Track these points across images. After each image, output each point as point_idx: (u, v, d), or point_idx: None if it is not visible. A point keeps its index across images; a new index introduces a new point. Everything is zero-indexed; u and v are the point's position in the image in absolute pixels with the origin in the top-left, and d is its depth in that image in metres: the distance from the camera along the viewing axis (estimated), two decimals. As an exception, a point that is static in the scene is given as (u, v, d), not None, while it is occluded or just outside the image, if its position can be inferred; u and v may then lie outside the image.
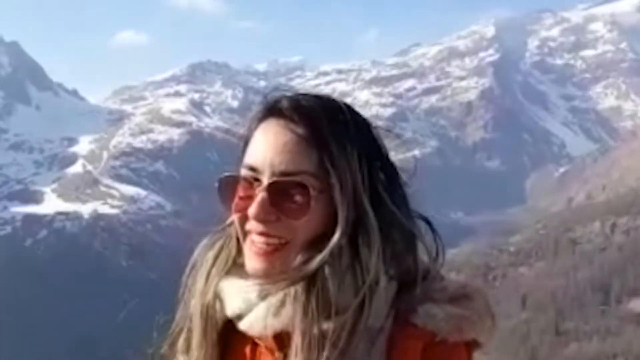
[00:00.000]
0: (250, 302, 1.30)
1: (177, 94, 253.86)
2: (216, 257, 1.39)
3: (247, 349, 1.36)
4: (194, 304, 1.37)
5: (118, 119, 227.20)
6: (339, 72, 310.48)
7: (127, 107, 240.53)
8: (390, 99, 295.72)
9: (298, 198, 1.28)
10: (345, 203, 1.27)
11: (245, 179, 1.32)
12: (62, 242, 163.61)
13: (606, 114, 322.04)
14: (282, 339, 1.29)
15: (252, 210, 1.28)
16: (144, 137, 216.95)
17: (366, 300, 1.24)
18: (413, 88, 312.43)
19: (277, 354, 1.31)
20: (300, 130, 1.29)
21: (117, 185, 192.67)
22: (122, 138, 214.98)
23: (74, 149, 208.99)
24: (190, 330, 1.39)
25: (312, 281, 1.25)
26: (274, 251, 1.29)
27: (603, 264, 79.84)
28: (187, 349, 1.39)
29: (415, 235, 1.33)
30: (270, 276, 1.29)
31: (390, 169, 1.34)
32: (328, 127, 1.29)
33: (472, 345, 1.31)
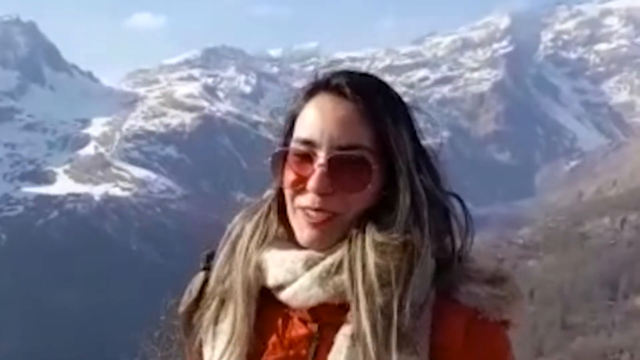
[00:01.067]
0: (296, 273, 1.31)
1: (191, 78, 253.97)
2: (255, 229, 1.40)
3: (279, 320, 1.37)
4: (234, 276, 1.38)
5: (131, 101, 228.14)
6: (353, 60, 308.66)
7: (141, 90, 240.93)
8: (403, 89, 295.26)
9: (357, 173, 1.30)
10: (405, 177, 1.30)
11: (299, 153, 1.32)
12: (72, 224, 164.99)
13: (619, 109, 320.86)
14: (316, 312, 1.32)
15: (312, 183, 1.30)
16: (156, 121, 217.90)
17: (416, 273, 1.27)
18: (426, 78, 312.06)
19: (311, 325, 1.34)
20: (357, 105, 1.31)
21: (128, 167, 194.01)
22: (134, 121, 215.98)
23: (87, 130, 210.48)
24: (222, 302, 1.40)
25: (363, 253, 1.27)
26: (326, 221, 1.31)
27: (612, 259, 79.48)
28: (216, 320, 1.40)
29: (450, 212, 1.36)
30: (317, 246, 1.31)
31: (425, 147, 1.36)
32: (383, 103, 1.32)
33: (507, 325, 1.34)
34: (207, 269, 1.46)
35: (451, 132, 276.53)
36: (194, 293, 1.45)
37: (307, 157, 1.31)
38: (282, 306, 1.34)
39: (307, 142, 1.31)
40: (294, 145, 1.33)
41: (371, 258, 1.26)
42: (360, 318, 1.25)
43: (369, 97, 1.31)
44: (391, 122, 1.31)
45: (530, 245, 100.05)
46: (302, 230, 1.32)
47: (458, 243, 1.36)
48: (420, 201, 1.30)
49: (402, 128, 1.32)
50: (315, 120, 1.32)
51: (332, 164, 1.29)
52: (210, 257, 1.46)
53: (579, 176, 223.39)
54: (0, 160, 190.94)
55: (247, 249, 1.38)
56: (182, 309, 1.46)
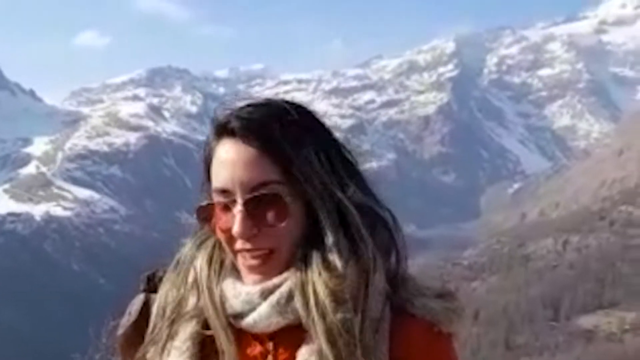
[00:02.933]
0: (253, 302, 1.34)
1: (136, 98, 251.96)
2: (210, 260, 1.43)
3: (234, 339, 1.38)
4: (203, 303, 1.39)
5: (74, 120, 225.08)
6: (299, 81, 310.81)
7: (85, 109, 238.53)
8: (350, 111, 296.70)
9: (274, 208, 1.32)
10: (320, 199, 1.32)
11: (220, 203, 1.35)
12: (12, 243, 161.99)
13: (561, 133, 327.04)
14: (274, 331, 1.34)
15: (235, 229, 1.32)
16: (100, 140, 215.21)
17: (370, 289, 1.31)
18: (372, 100, 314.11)
19: (268, 344, 1.36)
20: (256, 143, 1.32)
21: (70, 187, 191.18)
22: (77, 140, 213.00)
23: (28, 149, 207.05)
24: (171, 323, 1.40)
25: (312, 276, 1.30)
26: (264, 262, 1.34)
27: (554, 281, 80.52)
28: (166, 339, 1.40)
29: (389, 226, 1.39)
30: (263, 281, 1.34)
31: (348, 159, 1.38)
32: (280, 133, 1.33)
33: (454, 337, 1.40)
34: (147, 290, 1.47)
35: (397, 154, 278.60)
36: (134, 315, 1.46)
37: (227, 206, 1.34)
38: (245, 333, 1.37)
39: (223, 191, 1.34)
40: (214, 196, 1.36)
41: (321, 280, 1.30)
42: (320, 340, 1.29)
43: (266, 132, 1.33)
44: (292, 150, 1.32)
45: (474, 267, 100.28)
46: (246, 275, 1.36)
47: (404, 258, 1.40)
48: (354, 219, 1.33)
49: (307, 152, 1.33)
50: (223, 169, 1.35)
51: (249, 206, 1.33)
52: (151, 279, 1.48)
53: (522, 198, 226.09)
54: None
55: (208, 278, 1.40)
56: (120, 330, 1.46)
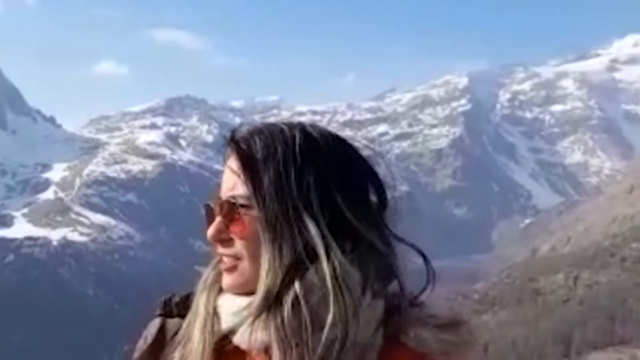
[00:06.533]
0: (242, 316, 1.37)
1: (153, 126, 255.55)
2: (213, 275, 1.48)
3: None
4: (193, 320, 1.45)
5: (93, 147, 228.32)
6: (314, 113, 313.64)
7: (103, 137, 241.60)
8: (364, 142, 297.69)
9: (239, 220, 1.38)
10: (266, 221, 1.35)
11: (211, 208, 1.45)
12: (29, 268, 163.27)
13: (573, 169, 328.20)
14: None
15: (208, 231, 1.42)
16: (117, 167, 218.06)
17: (349, 314, 1.31)
18: (386, 133, 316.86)
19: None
20: (240, 158, 1.41)
21: (88, 213, 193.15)
22: (95, 167, 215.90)
23: (47, 175, 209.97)
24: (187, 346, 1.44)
25: (286, 299, 1.32)
26: (233, 268, 1.40)
27: (565, 316, 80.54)
28: None
29: (388, 255, 1.41)
30: (236, 290, 1.41)
31: (354, 189, 1.41)
32: (262, 153, 1.38)
33: None
34: (163, 315, 1.50)
35: (409, 186, 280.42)
36: (149, 339, 1.48)
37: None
38: (241, 350, 1.40)
39: (217, 198, 1.44)
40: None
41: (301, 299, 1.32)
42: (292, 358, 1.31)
43: (249, 149, 1.40)
44: (267, 171, 1.37)
45: (485, 300, 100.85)
46: (223, 277, 1.44)
47: (407, 286, 1.42)
48: (316, 241, 1.33)
49: (285, 174, 1.36)
50: (223, 175, 1.45)
51: (222, 213, 1.41)
52: (167, 304, 1.51)
53: (533, 233, 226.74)
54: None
55: (202, 292, 1.47)
56: (136, 354, 1.48)
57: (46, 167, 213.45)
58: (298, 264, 1.34)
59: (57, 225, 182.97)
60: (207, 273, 1.49)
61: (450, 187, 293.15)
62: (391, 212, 1.45)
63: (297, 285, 1.32)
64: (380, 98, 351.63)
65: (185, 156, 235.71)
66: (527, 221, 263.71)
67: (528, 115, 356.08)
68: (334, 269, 1.33)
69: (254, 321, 1.34)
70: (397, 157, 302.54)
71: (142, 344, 1.49)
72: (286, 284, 1.33)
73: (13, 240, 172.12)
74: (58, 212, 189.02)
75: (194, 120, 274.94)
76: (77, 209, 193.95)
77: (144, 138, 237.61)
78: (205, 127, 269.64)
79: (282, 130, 1.42)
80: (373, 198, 1.45)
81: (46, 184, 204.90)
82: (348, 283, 1.33)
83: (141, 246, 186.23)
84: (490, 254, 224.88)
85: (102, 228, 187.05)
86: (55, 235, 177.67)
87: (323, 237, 1.35)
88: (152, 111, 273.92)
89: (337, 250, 1.34)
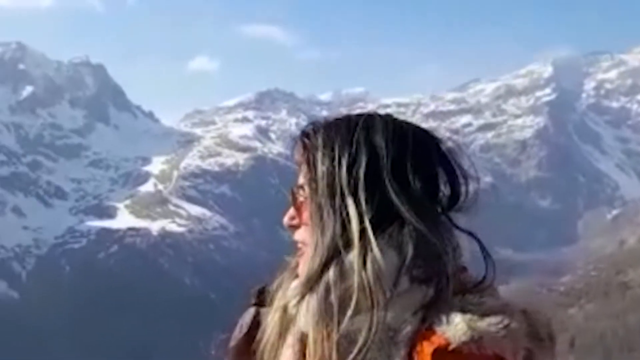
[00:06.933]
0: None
1: (245, 120, 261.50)
2: (292, 263, 1.62)
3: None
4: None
5: (189, 141, 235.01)
6: (398, 105, 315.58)
7: (198, 131, 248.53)
8: (447, 134, 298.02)
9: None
10: (315, 206, 1.47)
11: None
12: (131, 257, 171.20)
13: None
14: None
15: (283, 220, 1.56)
16: (212, 160, 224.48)
17: (375, 302, 1.37)
18: (469, 124, 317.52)
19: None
20: (300, 149, 1.58)
21: (185, 205, 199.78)
22: (191, 160, 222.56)
23: (147, 168, 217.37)
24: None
25: (320, 284, 1.41)
26: (302, 254, 1.52)
27: (653, 309, 78.63)
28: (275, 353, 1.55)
29: (433, 240, 1.44)
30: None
31: (410, 178, 1.47)
32: (321, 142, 1.52)
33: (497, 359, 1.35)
34: (258, 304, 1.62)
35: (494, 177, 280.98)
36: (244, 328, 1.60)
37: None
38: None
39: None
40: None
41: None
42: (316, 349, 1.42)
43: (312, 139, 1.54)
44: (321, 159, 1.49)
45: (571, 293, 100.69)
46: None
47: (450, 272, 1.43)
48: (360, 227, 1.42)
49: (330, 162, 1.48)
50: None
51: (293, 199, 1.55)
52: (261, 293, 1.63)
53: (621, 225, 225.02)
54: (67, 194, 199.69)
55: (289, 281, 1.60)
56: (232, 343, 1.61)
57: (146, 160, 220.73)
58: (335, 249, 1.41)
59: (157, 216, 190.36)
60: (292, 261, 1.60)
61: (535, 178, 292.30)
62: (468, 203, 1.51)
63: (332, 270, 1.40)
64: (463, 89, 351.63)
65: (275, 149, 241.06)
66: (614, 212, 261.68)
67: (614, 104, 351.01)
68: (364, 256, 1.39)
69: (296, 304, 1.44)
70: (480, 148, 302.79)
71: (238, 332, 1.60)
72: (323, 268, 1.40)
73: (117, 230, 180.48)
74: (157, 204, 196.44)
75: (283, 114, 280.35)
76: (175, 200, 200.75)
77: (236, 131, 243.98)
78: (294, 120, 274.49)
79: (348, 120, 1.53)
80: (443, 188, 1.51)
81: (146, 177, 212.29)
82: (379, 269, 1.38)
83: (235, 236, 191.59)
84: (576, 246, 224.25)
85: (198, 219, 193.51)
86: (155, 226, 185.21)
87: (361, 222, 1.41)
88: (244, 105, 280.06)
89: (372, 237, 1.40)
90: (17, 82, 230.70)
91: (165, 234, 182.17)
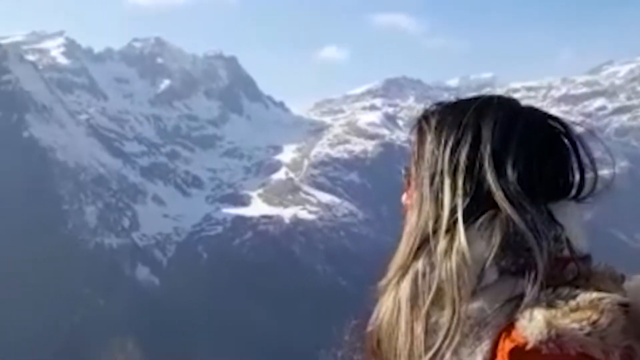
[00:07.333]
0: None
1: (373, 108, 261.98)
2: None
3: None
4: None
5: (318, 129, 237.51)
6: (528, 89, 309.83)
7: (327, 119, 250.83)
8: (580, 118, 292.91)
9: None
10: (415, 189, 1.48)
11: None
12: (265, 244, 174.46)
13: None
14: None
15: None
16: (341, 148, 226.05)
17: (463, 292, 1.35)
18: (603, 107, 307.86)
19: None
20: (414, 132, 1.58)
21: (315, 192, 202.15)
22: (321, 148, 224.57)
23: (279, 157, 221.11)
24: None
25: (410, 271, 1.42)
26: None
27: None
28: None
29: (526, 231, 1.37)
30: None
31: (516, 165, 1.42)
32: (433, 125, 1.51)
33: (582, 357, 1.27)
34: None
35: (630, 162, 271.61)
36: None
37: None
38: None
39: None
40: None
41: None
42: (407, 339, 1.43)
43: (424, 123, 1.54)
44: (430, 142, 1.49)
45: None
46: None
47: (540, 265, 1.36)
48: (451, 215, 1.42)
49: (436, 145, 1.47)
50: None
51: (409, 183, 1.56)
52: None
53: None
54: (203, 183, 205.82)
55: None
56: (370, 328, 1.57)
57: (277, 149, 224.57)
58: (427, 235, 1.42)
59: (289, 204, 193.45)
60: None
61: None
62: (599, 189, 1.44)
63: (421, 258, 1.41)
64: (596, 71, 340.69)
65: (403, 135, 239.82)
66: None
67: None
68: (451, 245, 1.37)
69: (385, 288, 1.45)
70: (615, 132, 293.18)
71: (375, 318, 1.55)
72: (414, 255, 1.42)
73: (250, 218, 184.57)
74: (289, 192, 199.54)
75: (410, 101, 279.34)
76: (306, 188, 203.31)
77: (365, 119, 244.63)
78: (421, 107, 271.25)
79: (464, 103, 1.52)
80: (559, 178, 1.46)
81: (278, 165, 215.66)
82: (464, 260, 1.36)
83: (364, 223, 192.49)
84: None
85: (328, 206, 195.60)
86: (286, 213, 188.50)
87: (453, 209, 1.41)
88: (372, 93, 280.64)
89: (460, 226, 1.38)
90: (156, 76, 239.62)
91: (297, 221, 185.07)
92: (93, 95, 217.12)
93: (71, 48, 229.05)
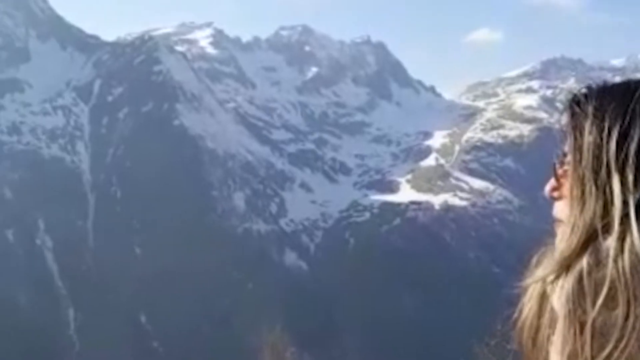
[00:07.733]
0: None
1: (529, 90, 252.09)
2: None
3: None
4: None
5: (470, 114, 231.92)
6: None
7: (480, 103, 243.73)
8: None
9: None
10: (576, 178, 1.32)
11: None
12: (413, 230, 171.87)
13: None
14: None
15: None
16: (494, 133, 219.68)
17: (637, 293, 1.22)
18: None
19: None
20: (567, 116, 1.50)
21: (467, 178, 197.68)
22: (473, 133, 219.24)
23: (428, 142, 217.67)
24: None
25: (574, 267, 1.29)
26: (556, 232, 1.39)
27: None
28: None
29: None
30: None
31: None
32: (591, 110, 1.38)
33: None
34: None
35: None
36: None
37: None
38: None
39: None
40: None
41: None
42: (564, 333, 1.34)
43: (581, 107, 1.41)
44: (589, 128, 1.34)
45: None
46: None
47: None
48: (623, 210, 1.27)
49: (599, 132, 1.32)
50: None
51: (554, 169, 1.45)
52: None
53: None
54: (351, 170, 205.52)
55: None
56: (517, 324, 1.51)
57: (427, 135, 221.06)
58: (594, 232, 1.27)
59: (439, 190, 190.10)
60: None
61: None
62: None
63: (587, 255, 1.26)
64: None
65: (563, 120, 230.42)
66: None
67: None
68: (622, 243, 1.23)
69: (550, 283, 1.32)
70: None
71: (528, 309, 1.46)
72: (579, 251, 1.27)
73: (399, 204, 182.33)
74: (439, 178, 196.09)
75: (571, 82, 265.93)
76: (457, 174, 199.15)
77: (520, 102, 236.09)
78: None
79: (626, 86, 1.33)
80: None
81: (427, 151, 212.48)
82: (638, 259, 1.23)
83: (519, 210, 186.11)
84: None
85: (481, 193, 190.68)
86: (436, 200, 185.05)
87: (624, 205, 1.26)
88: (528, 75, 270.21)
89: (634, 223, 1.24)
90: (303, 64, 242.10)
91: (447, 208, 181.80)
92: (241, 84, 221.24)
93: (219, 38, 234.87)
